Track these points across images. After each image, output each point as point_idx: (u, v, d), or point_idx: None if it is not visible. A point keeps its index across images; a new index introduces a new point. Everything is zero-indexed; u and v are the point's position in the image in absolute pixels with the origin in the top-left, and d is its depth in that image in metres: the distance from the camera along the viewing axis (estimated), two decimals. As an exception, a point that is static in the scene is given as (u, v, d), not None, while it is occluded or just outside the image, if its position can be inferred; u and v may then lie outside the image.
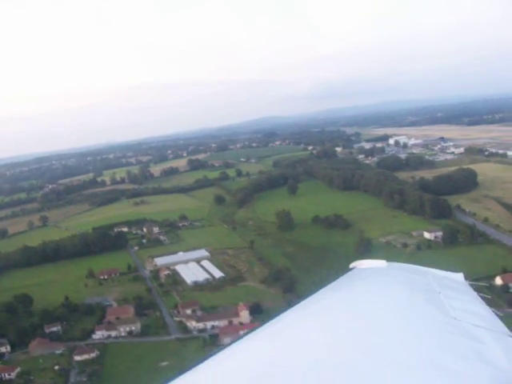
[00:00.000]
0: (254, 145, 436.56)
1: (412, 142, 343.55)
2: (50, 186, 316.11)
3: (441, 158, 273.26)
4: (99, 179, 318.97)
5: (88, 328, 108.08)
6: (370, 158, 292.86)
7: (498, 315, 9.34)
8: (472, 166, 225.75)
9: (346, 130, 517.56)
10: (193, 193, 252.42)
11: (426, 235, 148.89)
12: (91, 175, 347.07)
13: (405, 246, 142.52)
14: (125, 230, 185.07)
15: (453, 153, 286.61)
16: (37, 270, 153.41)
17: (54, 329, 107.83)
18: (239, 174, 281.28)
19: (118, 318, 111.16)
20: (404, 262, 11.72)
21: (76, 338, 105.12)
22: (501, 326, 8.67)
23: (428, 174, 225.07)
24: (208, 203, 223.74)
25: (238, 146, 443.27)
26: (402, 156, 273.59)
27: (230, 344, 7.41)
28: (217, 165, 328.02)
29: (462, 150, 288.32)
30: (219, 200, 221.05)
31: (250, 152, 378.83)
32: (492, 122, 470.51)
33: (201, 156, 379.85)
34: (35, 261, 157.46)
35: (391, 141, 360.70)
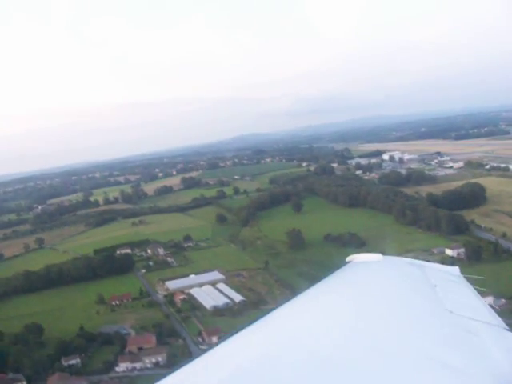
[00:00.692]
0: (245, 162, 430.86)
1: (407, 157, 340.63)
2: (40, 207, 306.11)
3: (441, 172, 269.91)
4: (91, 199, 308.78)
5: (109, 360, 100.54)
6: (368, 173, 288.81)
7: (493, 308, 9.57)
8: (475, 181, 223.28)
9: (334, 146, 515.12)
10: (191, 212, 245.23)
11: (448, 252, 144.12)
12: (81, 195, 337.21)
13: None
14: (128, 251, 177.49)
15: (452, 167, 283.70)
16: (41, 296, 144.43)
17: (73, 361, 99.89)
18: (236, 191, 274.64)
19: (140, 348, 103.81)
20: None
21: (98, 371, 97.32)
22: (496, 319, 8.71)
23: (432, 189, 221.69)
24: (209, 222, 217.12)
25: (228, 163, 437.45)
26: (403, 171, 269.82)
27: (225, 339, 7.29)
28: (211, 183, 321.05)
29: (460, 164, 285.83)
30: (221, 219, 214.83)
31: (241, 169, 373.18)
32: (478, 136, 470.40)
33: (192, 174, 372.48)
34: (38, 286, 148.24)
35: (385, 156, 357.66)
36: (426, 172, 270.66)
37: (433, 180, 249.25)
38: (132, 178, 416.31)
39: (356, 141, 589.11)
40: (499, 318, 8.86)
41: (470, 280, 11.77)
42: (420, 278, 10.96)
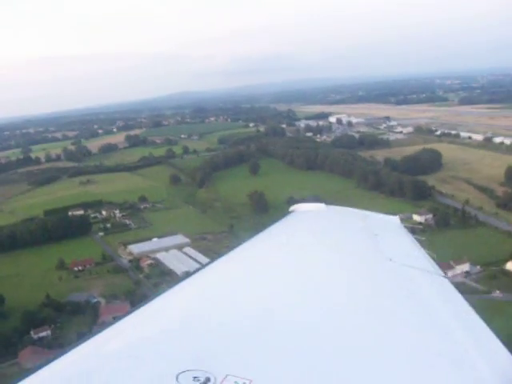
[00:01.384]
0: (188, 120, 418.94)
1: (355, 120, 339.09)
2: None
3: (392, 137, 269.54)
4: (32, 156, 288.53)
5: (83, 331, 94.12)
6: (319, 136, 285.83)
7: (432, 257, 9.56)
8: (428, 147, 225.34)
9: (276, 107, 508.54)
10: (140, 171, 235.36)
11: (416, 218, 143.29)
12: (17, 151, 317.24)
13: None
14: (81, 213, 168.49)
15: (401, 132, 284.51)
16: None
17: (43, 333, 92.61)
18: (186, 151, 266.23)
19: (114, 318, 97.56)
20: None
21: (72, 343, 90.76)
22: (434, 266, 8.93)
23: (386, 154, 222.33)
24: (162, 183, 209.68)
25: (172, 121, 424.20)
26: (355, 135, 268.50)
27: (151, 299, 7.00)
28: (158, 141, 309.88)
29: (409, 129, 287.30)
30: (175, 180, 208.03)
31: (187, 128, 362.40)
32: (418, 102, 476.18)
33: (135, 132, 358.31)
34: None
35: (332, 119, 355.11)
36: (379, 136, 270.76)
37: (385, 144, 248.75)
38: (70, 134, 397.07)
39: (296, 102, 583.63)
40: (437, 266, 8.96)
41: (410, 229, 11.90)
42: (362, 226, 11.11)
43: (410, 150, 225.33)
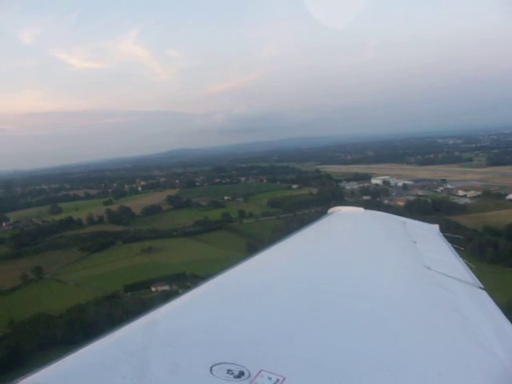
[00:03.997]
0: (218, 181, 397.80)
1: (409, 183, 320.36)
2: (5, 224, 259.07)
3: (460, 201, 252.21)
4: (66, 216, 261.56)
5: None
6: (378, 199, 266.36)
7: (470, 267, 9.29)
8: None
9: (296, 167, 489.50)
10: (201, 237, 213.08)
11: None
12: (46, 210, 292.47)
13: None
14: (166, 288, 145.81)
15: (465, 196, 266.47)
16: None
17: None
18: (241, 215, 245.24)
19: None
20: None
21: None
22: (472, 277, 8.69)
23: (467, 220, 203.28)
24: (235, 251, 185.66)
25: (200, 179, 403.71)
26: (428, 200, 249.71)
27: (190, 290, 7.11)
28: (204, 203, 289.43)
29: (473, 193, 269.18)
30: (251, 248, 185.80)
31: (221, 189, 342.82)
32: (443, 162, 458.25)
33: (168, 192, 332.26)
34: (80, 336, 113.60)
35: (376, 181, 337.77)
36: (454, 200, 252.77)
37: (462, 209, 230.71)
38: (92, 192, 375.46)
39: (308, 161, 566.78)
40: (475, 277, 8.64)
41: (449, 238, 11.46)
42: (400, 232, 10.96)
43: (493, 216, 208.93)
